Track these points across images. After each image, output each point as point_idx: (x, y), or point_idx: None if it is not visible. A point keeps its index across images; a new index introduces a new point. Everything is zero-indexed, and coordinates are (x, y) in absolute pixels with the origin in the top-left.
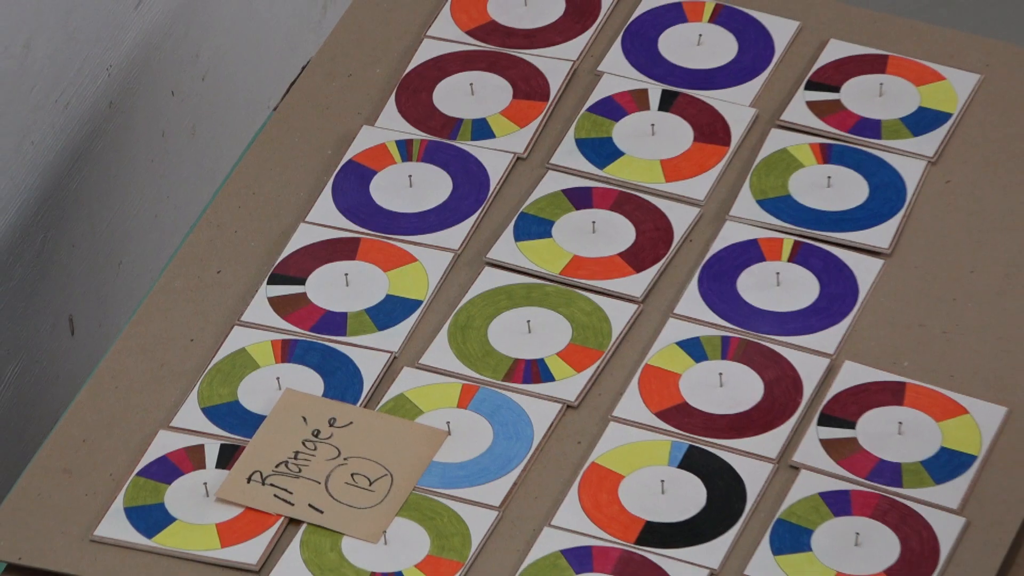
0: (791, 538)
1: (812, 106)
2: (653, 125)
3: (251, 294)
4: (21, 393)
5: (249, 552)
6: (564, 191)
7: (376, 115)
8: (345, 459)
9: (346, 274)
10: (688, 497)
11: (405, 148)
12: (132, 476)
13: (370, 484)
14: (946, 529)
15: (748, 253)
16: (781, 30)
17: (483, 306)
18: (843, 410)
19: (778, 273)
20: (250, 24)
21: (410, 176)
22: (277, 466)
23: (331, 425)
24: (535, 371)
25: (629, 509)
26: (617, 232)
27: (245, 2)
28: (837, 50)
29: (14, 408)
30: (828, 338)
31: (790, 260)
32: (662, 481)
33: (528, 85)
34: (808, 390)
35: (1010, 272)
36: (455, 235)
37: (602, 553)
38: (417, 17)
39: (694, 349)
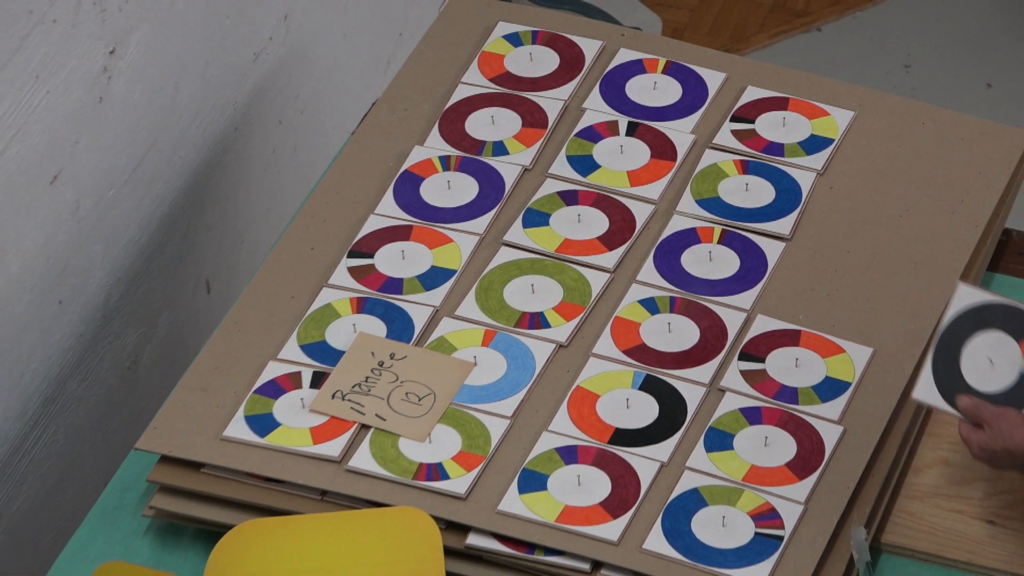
0: (719, 440)
1: (735, 133)
2: (622, 146)
3: (335, 264)
4: (171, 335)
5: (333, 448)
6: (558, 192)
7: (425, 138)
8: (401, 382)
9: (402, 251)
10: (645, 411)
11: (445, 162)
12: (250, 394)
13: (419, 400)
14: (829, 434)
15: (689, 238)
16: (713, 79)
17: (500, 274)
18: (756, 349)
19: (710, 252)
20: (335, 72)
21: (448, 181)
22: (353, 387)
23: (391, 358)
24: (537, 320)
25: (603, 419)
26: (596, 222)
27: (331, 57)
28: (752, 94)
29: (166, 345)
30: (746, 298)
31: (719, 243)
32: (627, 399)
33: (533, 117)
34: (731, 335)
35: (875, 252)
36: (480, 223)
37: (584, 450)
38: (454, 69)
39: (650, 305)
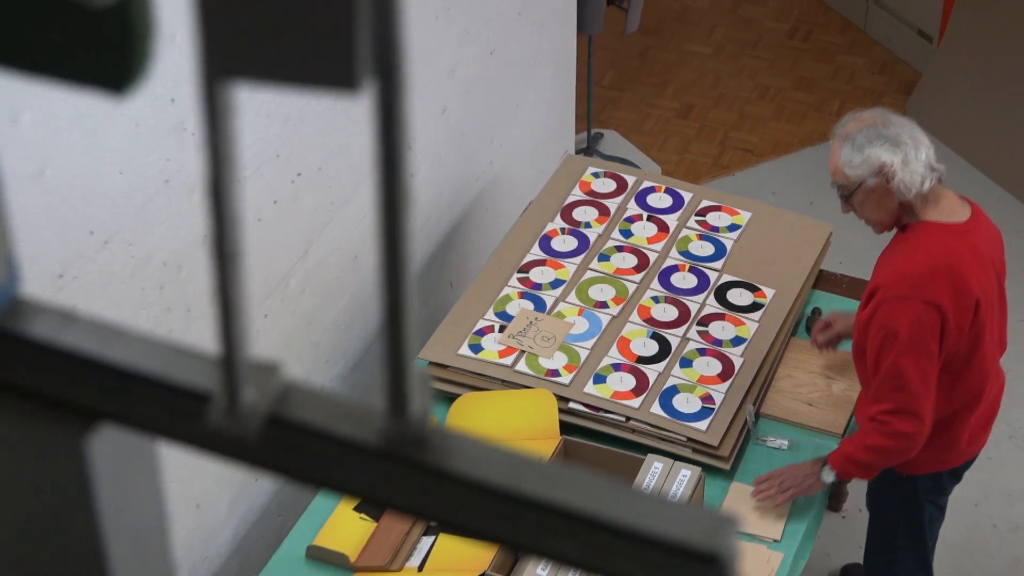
0: (686, 363)
1: (697, 221)
2: (644, 227)
3: (511, 276)
4: (433, 309)
5: (509, 360)
6: (614, 246)
7: (554, 219)
8: (540, 331)
9: (542, 271)
10: (653, 348)
11: (564, 231)
12: (470, 334)
13: (547, 340)
14: (737, 362)
15: (674, 269)
16: (687, 196)
17: (586, 283)
18: (704, 322)
19: (684, 276)
20: (512, 187)
21: (564, 239)
22: (518, 332)
23: (536, 320)
24: (603, 305)
25: (633, 351)
26: (631, 261)
27: (510, 181)
28: (705, 204)
29: (431, 313)
30: (700, 298)
31: (688, 272)
32: (644, 343)
33: (603, 211)
34: (693, 315)
35: (757, 269)
36: (578, 260)
37: (624, 366)
38: (567, 188)
39: (656, 300)
